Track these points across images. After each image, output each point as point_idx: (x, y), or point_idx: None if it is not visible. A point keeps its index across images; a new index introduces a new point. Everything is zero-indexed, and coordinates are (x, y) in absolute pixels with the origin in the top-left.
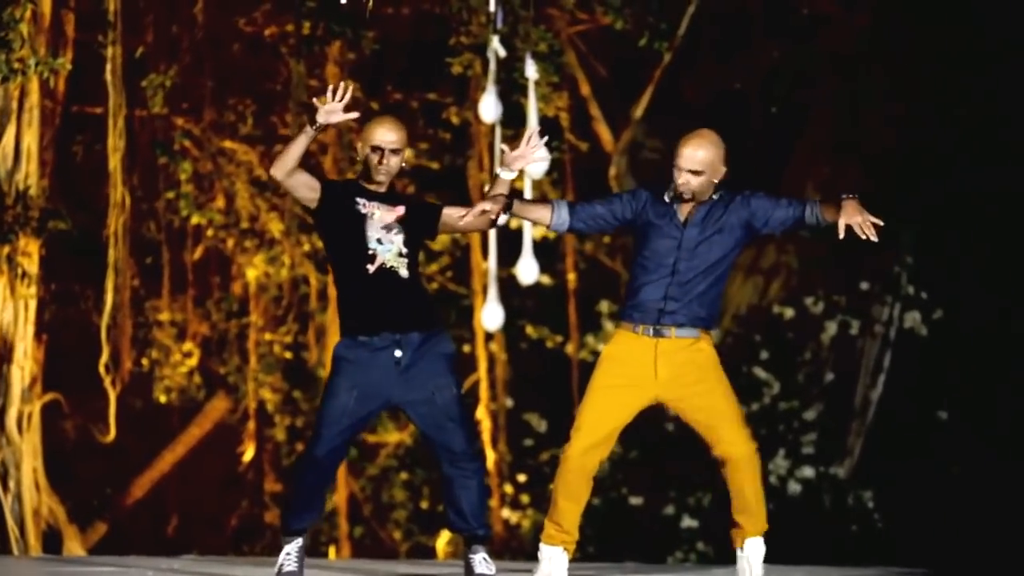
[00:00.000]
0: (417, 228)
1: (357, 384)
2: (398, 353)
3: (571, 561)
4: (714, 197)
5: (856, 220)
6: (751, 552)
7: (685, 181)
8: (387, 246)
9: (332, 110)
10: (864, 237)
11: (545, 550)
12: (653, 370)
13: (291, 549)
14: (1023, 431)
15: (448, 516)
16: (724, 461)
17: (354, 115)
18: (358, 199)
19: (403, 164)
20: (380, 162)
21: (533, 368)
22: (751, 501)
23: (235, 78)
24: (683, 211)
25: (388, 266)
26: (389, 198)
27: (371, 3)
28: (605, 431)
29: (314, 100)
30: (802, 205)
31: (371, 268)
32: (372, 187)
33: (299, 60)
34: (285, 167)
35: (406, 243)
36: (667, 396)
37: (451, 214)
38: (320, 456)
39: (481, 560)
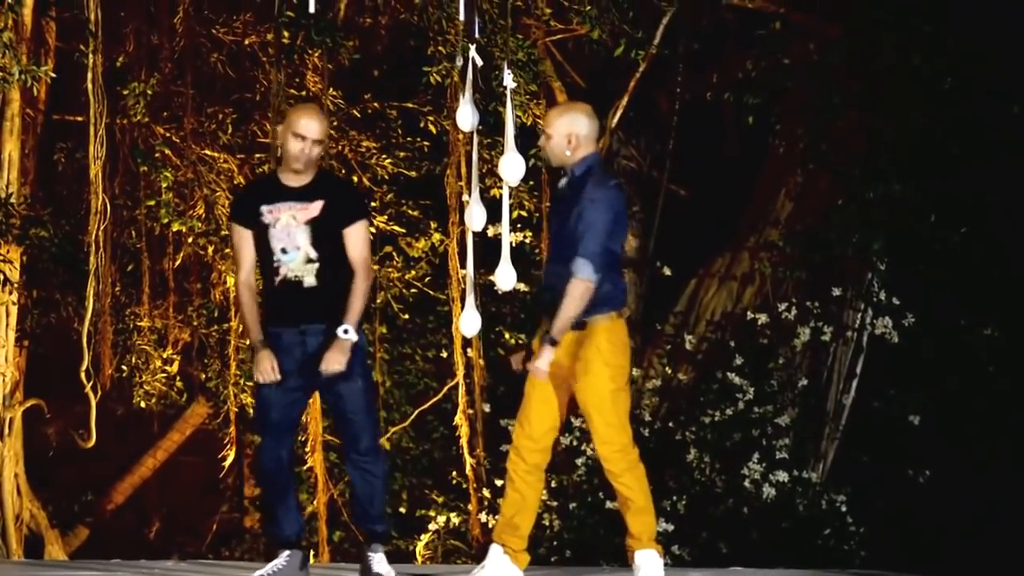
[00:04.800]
0: (335, 225)
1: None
2: (303, 338)
3: (550, 564)
4: (574, 172)
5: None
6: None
7: (541, 143)
8: (292, 255)
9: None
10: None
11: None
12: None
13: (280, 562)
14: (993, 435)
15: (352, 512)
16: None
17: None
18: (263, 206)
19: (322, 155)
20: (300, 151)
21: (510, 374)
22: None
23: (215, 87)
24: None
25: (291, 278)
26: (306, 193)
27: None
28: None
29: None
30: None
31: (276, 280)
32: (289, 182)
33: (279, 69)
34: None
35: (317, 245)
36: None
37: (349, 238)
38: (265, 461)
39: (379, 560)
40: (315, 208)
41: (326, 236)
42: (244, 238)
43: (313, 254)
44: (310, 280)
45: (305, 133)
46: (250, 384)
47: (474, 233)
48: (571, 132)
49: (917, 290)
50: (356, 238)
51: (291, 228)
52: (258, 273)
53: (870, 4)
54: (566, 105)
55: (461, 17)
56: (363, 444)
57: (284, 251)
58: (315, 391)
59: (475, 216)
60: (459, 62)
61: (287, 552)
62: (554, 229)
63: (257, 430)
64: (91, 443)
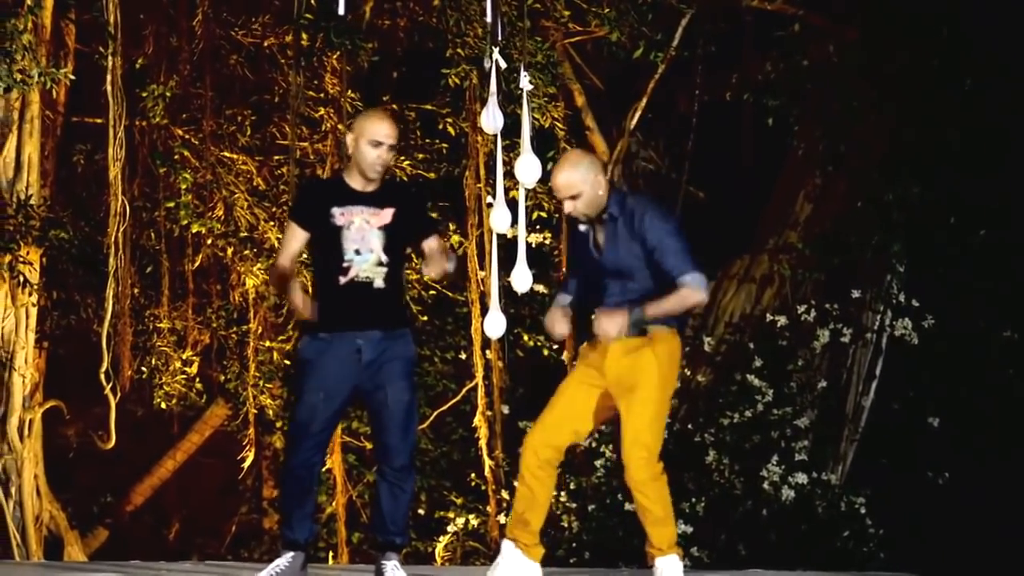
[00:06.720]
0: (404, 233)
1: (321, 384)
2: (358, 345)
3: (568, 566)
4: (612, 212)
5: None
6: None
7: (570, 208)
8: (364, 256)
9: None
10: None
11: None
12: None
13: (282, 562)
14: (1013, 437)
15: (372, 519)
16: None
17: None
18: (334, 209)
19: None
20: (377, 157)
21: (529, 376)
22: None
23: (234, 89)
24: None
25: (362, 278)
26: (378, 198)
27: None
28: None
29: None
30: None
31: (343, 280)
32: (359, 186)
33: (298, 71)
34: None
35: (388, 250)
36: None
37: (428, 245)
38: (297, 465)
39: (393, 567)
40: (387, 215)
41: (396, 243)
42: (297, 237)
43: (384, 258)
44: (379, 282)
45: (383, 140)
46: (268, 386)
47: (496, 235)
48: (590, 177)
49: (936, 292)
50: (435, 241)
51: (365, 232)
52: (309, 275)
53: (888, 6)
54: (560, 164)
55: (488, 19)
56: (399, 461)
57: (358, 252)
58: (357, 399)
59: (500, 218)
60: (488, 64)
61: (291, 553)
62: (609, 265)
63: (296, 434)
64: (110, 444)
